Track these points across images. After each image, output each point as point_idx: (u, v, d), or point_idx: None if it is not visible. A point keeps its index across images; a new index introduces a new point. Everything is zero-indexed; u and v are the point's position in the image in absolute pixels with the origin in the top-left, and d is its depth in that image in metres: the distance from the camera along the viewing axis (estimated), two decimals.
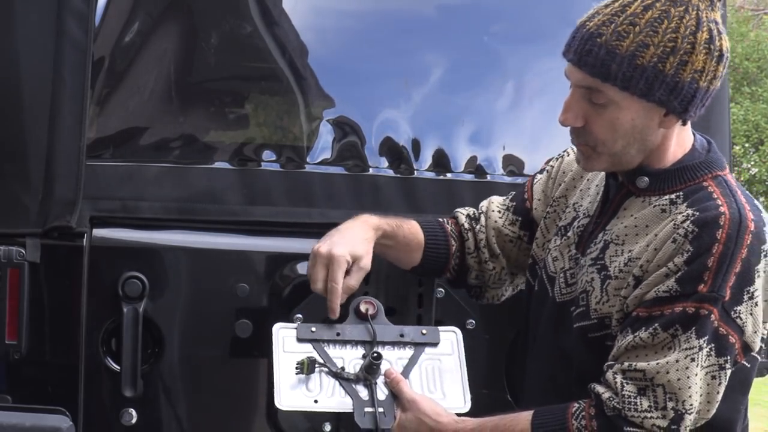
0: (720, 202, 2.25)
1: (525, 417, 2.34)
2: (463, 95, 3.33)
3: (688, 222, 2.22)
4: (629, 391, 2.23)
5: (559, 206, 2.58)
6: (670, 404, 2.22)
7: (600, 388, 2.27)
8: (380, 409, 2.48)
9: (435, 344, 2.62)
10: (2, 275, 2.90)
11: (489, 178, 3.24)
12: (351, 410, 2.49)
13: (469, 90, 3.35)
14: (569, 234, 2.48)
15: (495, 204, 2.75)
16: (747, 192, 2.36)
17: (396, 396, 2.50)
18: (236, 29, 3.24)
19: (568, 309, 2.40)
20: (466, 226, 2.73)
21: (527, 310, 2.61)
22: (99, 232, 3.00)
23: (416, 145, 3.25)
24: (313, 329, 2.60)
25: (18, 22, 2.92)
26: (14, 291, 2.91)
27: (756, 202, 2.35)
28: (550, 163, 2.70)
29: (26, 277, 2.92)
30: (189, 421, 3.12)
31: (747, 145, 18.89)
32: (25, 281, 2.92)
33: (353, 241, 2.58)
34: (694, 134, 2.40)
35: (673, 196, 2.31)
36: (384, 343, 2.60)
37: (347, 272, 2.56)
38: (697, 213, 2.23)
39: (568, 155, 2.63)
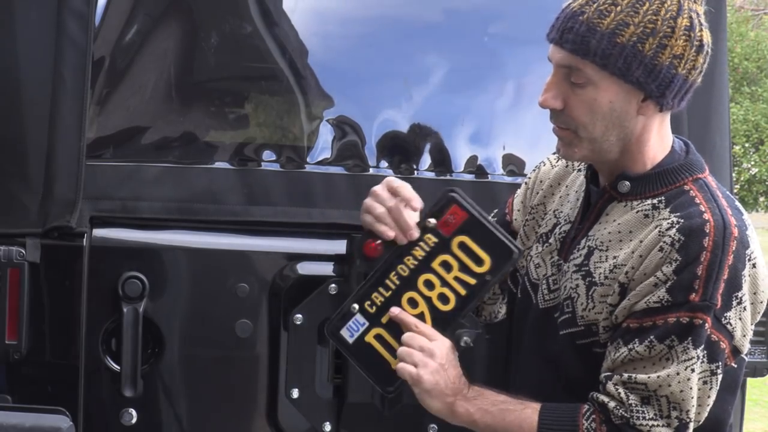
0: (703, 209, 2.25)
1: (531, 414, 2.31)
2: (463, 95, 3.34)
3: (674, 230, 2.22)
4: (634, 401, 2.24)
5: (537, 213, 2.57)
6: (674, 413, 2.23)
7: (604, 398, 2.27)
8: None
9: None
10: (2, 275, 2.90)
11: (489, 178, 3.24)
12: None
13: (469, 90, 3.35)
14: (551, 241, 2.47)
15: None
16: (727, 193, 2.37)
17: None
18: (236, 29, 3.24)
19: (552, 315, 2.40)
20: None
21: (510, 318, 2.60)
22: (99, 232, 3.00)
23: (416, 145, 3.25)
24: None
25: (18, 22, 2.92)
26: (14, 291, 2.91)
27: (737, 203, 2.35)
28: (528, 176, 2.69)
29: (26, 277, 2.91)
30: (189, 421, 3.12)
31: (747, 145, 18.90)
32: (25, 281, 2.91)
33: None
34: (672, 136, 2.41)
35: (655, 201, 2.31)
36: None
37: None
38: (682, 220, 2.23)
39: (544, 165, 2.63)
